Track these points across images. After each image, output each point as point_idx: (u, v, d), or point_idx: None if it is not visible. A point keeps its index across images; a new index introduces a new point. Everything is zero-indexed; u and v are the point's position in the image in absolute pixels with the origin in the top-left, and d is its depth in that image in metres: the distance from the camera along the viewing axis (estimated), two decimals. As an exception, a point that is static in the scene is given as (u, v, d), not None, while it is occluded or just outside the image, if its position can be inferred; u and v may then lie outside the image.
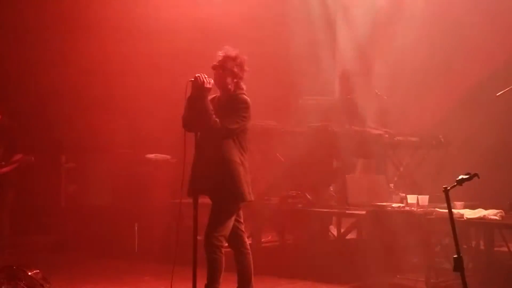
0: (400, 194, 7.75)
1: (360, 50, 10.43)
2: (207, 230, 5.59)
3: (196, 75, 5.49)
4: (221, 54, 5.68)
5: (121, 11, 10.11)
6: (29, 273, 4.05)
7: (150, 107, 10.29)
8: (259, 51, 9.92)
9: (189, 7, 9.89)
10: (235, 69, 5.65)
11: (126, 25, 10.19)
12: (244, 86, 5.71)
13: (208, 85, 5.50)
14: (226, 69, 5.64)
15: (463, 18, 9.42)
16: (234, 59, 5.66)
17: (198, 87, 5.48)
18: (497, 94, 7.69)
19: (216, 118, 5.50)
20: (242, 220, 5.87)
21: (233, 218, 5.66)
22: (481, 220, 6.73)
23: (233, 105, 5.61)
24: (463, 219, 6.68)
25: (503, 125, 8.50)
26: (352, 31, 10.59)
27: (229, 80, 5.65)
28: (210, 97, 5.62)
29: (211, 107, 5.51)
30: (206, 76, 5.51)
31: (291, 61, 10.50)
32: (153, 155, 9.18)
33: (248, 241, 5.98)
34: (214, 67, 5.68)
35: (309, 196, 8.07)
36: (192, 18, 9.96)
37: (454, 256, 4.53)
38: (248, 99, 5.67)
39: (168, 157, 9.14)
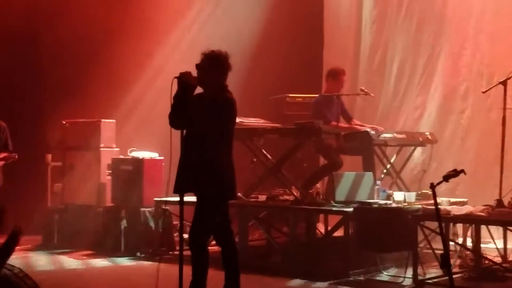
0: (387, 191, 7.75)
1: (347, 47, 10.47)
2: (191, 228, 5.59)
3: (181, 72, 5.47)
4: (203, 53, 5.66)
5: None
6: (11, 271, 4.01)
7: (136, 103, 10.29)
8: (246, 48, 9.99)
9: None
10: (217, 68, 5.63)
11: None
12: (227, 84, 5.69)
13: (193, 82, 5.49)
14: (208, 68, 5.61)
15: (448, 15, 9.44)
16: (216, 57, 5.64)
17: (183, 84, 5.46)
18: (483, 91, 7.71)
19: (201, 116, 5.49)
20: (229, 218, 5.86)
21: (218, 216, 5.65)
22: (468, 217, 6.73)
23: (218, 104, 5.59)
24: (450, 216, 6.68)
25: (490, 122, 8.52)
26: (339, 29, 10.61)
27: (210, 78, 5.62)
28: (195, 95, 5.60)
29: (196, 104, 5.49)
30: (191, 73, 5.50)
31: (278, 58, 10.53)
32: (139, 153, 9.13)
33: (235, 239, 5.96)
34: (197, 66, 5.66)
35: (296, 194, 8.06)
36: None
37: (441, 252, 4.53)
38: (233, 98, 5.65)
39: (155, 154, 9.09)
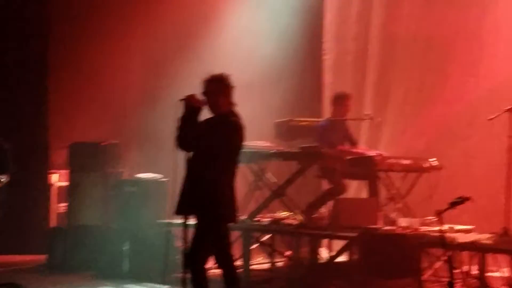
0: (392, 217, 7.71)
1: (350, 71, 10.47)
2: (190, 250, 5.56)
3: (187, 94, 5.48)
4: (206, 79, 5.67)
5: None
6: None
7: (142, 125, 10.30)
8: (250, 70, 10.01)
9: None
10: (222, 91, 5.64)
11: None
12: (234, 104, 5.69)
13: (198, 104, 5.49)
14: (214, 94, 5.62)
15: (455, 41, 9.43)
16: (218, 81, 5.66)
17: (189, 107, 5.47)
18: (489, 118, 7.68)
19: (205, 138, 5.48)
20: (230, 241, 5.83)
21: (217, 239, 5.62)
22: (474, 245, 6.68)
23: (224, 127, 5.59)
24: (455, 243, 6.63)
25: (496, 149, 8.47)
26: (342, 51, 10.62)
27: (219, 103, 5.64)
28: (203, 120, 5.62)
29: (200, 126, 5.49)
30: (197, 95, 5.50)
31: (282, 81, 10.55)
32: (144, 174, 9.13)
33: (237, 262, 5.93)
34: (203, 94, 5.67)
35: (300, 218, 8.02)
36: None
37: (447, 280, 4.50)
38: (239, 121, 5.65)
39: (160, 176, 9.08)
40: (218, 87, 5.64)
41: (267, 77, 10.53)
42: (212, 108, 5.66)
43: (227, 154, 5.63)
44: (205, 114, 5.68)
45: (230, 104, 5.69)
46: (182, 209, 5.57)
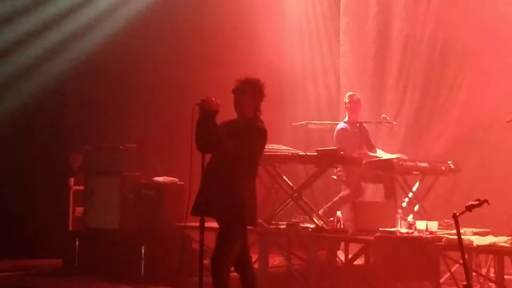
0: (409, 220, 7.68)
1: (368, 74, 10.46)
2: (213, 254, 5.57)
3: (203, 98, 5.49)
4: (240, 79, 5.69)
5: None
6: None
7: (159, 129, 10.34)
8: (270, 74, 10.02)
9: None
10: (254, 94, 5.66)
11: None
12: (261, 111, 5.71)
13: (214, 108, 5.49)
14: (245, 94, 5.64)
15: (471, 44, 9.39)
16: (253, 84, 5.67)
17: (205, 111, 5.48)
18: (507, 121, 7.64)
19: (227, 141, 5.49)
20: (248, 244, 5.84)
21: (239, 242, 5.62)
22: (491, 247, 6.65)
23: (248, 131, 5.60)
24: (473, 246, 6.60)
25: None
26: (359, 54, 10.61)
27: (247, 105, 5.66)
28: (229, 120, 5.63)
29: (218, 129, 5.50)
30: (212, 99, 5.51)
31: (300, 84, 10.55)
32: (161, 178, 9.15)
33: (254, 266, 5.93)
34: (233, 91, 5.68)
35: (317, 221, 8.01)
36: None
37: (464, 283, 4.48)
38: (264, 127, 5.67)
39: (176, 180, 9.10)
40: (250, 90, 5.66)
41: (286, 80, 10.54)
42: (237, 108, 5.68)
43: (251, 158, 5.64)
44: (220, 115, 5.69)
45: (257, 109, 5.71)
46: (200, 210, 5.57)
